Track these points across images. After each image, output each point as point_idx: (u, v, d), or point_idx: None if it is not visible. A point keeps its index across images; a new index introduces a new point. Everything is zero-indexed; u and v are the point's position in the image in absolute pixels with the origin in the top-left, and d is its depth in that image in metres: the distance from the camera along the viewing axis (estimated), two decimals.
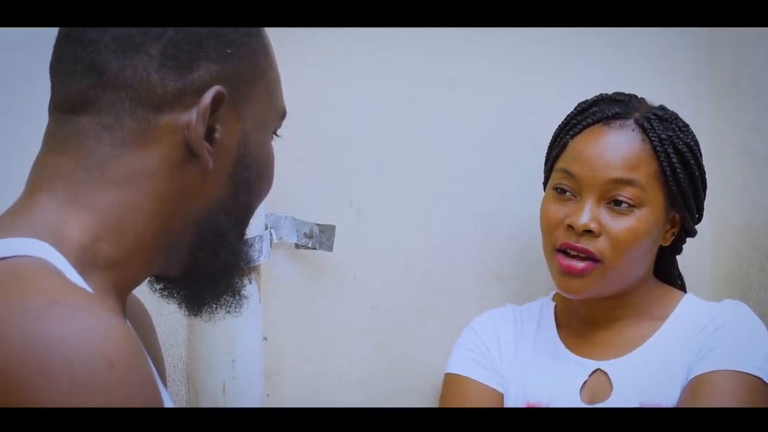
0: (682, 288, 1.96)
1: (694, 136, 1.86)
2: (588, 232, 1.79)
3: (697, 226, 1.90)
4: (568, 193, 1.82)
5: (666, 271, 1.93)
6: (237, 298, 1.26)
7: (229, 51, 1.16)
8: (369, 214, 2.02)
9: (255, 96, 1.19)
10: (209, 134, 1.16)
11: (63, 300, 1.01)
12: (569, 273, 1.80)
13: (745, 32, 2.13)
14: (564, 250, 1.81)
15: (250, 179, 1.20)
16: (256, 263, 1.88)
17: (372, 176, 2.02)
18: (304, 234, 1.95)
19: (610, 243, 1.79)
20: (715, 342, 1.78)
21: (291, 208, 1.94)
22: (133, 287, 1.20)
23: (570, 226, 1.79)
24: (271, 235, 1.90)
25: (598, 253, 1.78)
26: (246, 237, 1.27)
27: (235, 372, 1.87)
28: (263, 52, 1.20)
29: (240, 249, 1.23)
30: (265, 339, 1.93)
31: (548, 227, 1.83)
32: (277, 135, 1.25)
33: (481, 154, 2.09)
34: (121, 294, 1.17)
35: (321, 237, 1.95)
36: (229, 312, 1.26)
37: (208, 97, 1.14)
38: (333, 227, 1.95)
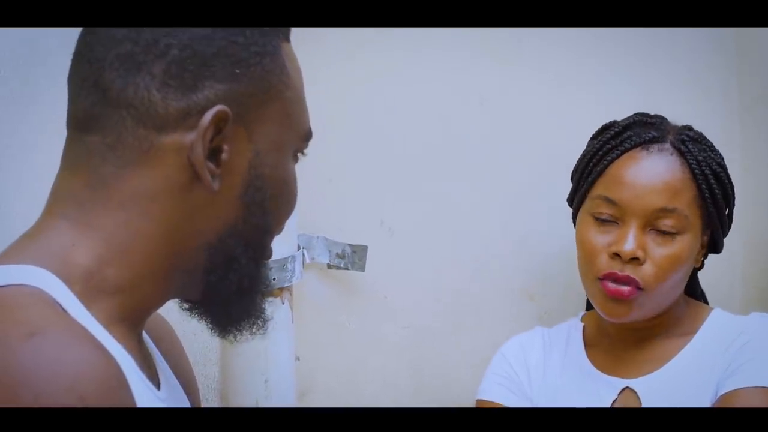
0: (705, 303, 1.96)
1: (720, 153, 1.86)
2: (634, 259, 1.77)
3: (727, 242, 1.89)
4: (609, 221, 1.80)
5: (691, 287, 1.93)
6: (258, 320, 1.22)
7: (237, 71, 1.12)
8: (400, 234, 2.03)
9: (268, 116, 1.15)
10: (216, 155, 1.12)
11: (41, 332, 0.99)
12: (615, 298, 1.78)
13: None
14: (608, 278, 1.79)
15: (263, 201, 1.16)
16: (289, 284, 1.89)
17: (403, 196, 2.03)
18: (336, 254, 1.96)
19: (653, 270, 1.77)
20: (742, 358, 1.77)
21: (323, 228, 1.95)
22: (149, 312, 1.18)
23: (616, 254, 1.78)
24: (303, 255, 1.91)
25: (641, 281, 1.77)
26: (266, 259, 1.22)
27: (268, 392, 1.87)
28: (279, 71, 1.16)
29: (255, 272, 1.19)
30: (298, 359, 1.93)
31: (590, 255, 1.81)
32: (303, 154, 1.22)
33: (513, 172, 2.09)
34: (134, 320, 1.15)
35: (353, 257, 1.96)
36: (252, 334, 1.22)
37: (207, 117, 1.10)
38: (365, 247, 1.96)
